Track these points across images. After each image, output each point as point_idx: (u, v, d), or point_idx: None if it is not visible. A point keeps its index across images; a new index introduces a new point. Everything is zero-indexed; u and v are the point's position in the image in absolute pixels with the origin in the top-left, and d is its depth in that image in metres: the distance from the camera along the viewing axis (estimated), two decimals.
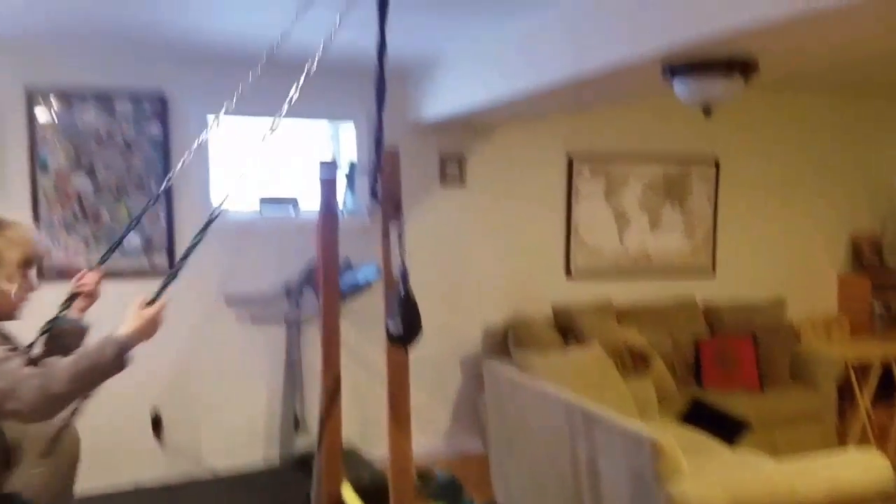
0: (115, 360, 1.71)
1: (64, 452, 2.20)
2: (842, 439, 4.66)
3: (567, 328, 4.55)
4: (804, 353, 4.80)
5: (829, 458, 2.89)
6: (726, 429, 3.83)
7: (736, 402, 4.25)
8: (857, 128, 5.79)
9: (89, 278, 2.09)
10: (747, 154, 5.41)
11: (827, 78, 5.00)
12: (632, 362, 4.13)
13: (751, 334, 4.71)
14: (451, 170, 4.71)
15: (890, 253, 5.80)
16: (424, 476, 4.21)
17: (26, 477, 2.14)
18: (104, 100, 3.84)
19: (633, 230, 5.19)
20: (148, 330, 1.77)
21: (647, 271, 5.23)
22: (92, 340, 1.81)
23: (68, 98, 3.78)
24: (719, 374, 4.66)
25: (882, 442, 4.66)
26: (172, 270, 2.02)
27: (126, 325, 1.75)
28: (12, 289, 1.78)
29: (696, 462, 2.89)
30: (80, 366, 1.67)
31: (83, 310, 2.04)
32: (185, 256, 2.03)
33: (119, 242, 2.43)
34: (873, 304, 5.53)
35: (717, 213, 5.38)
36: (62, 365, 1.66)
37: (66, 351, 1.83)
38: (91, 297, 2.05)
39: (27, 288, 1.82)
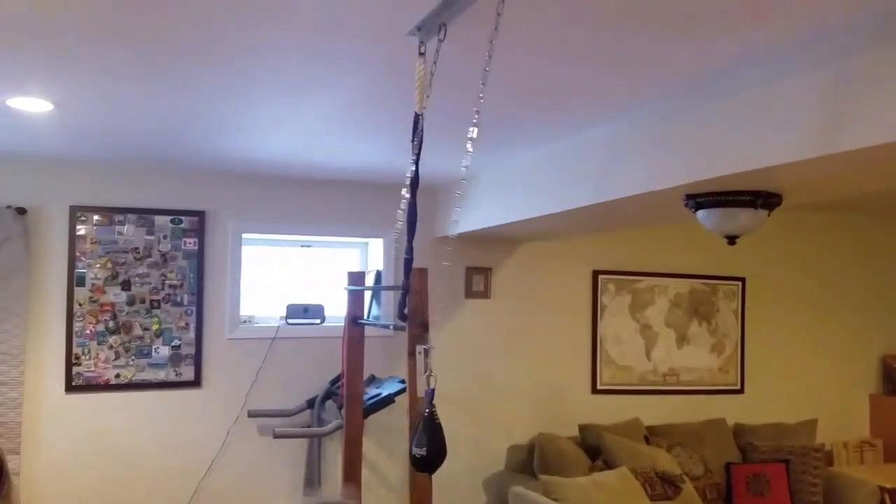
0: None
1: None
2: None
3: (594, 448, 4.46)
4: (838, 477, 4.64)
5: None
6: None
7: None
8: (886, 247, 5.79)
9: None
10: (774, 272, 5.42)
11: (853, 199, 5.05)
12: (662, 487, 4.02)
13: (784, 459, 4.58)
14: (477, 282, 4.76)
15: None
16: None
17: None
18: (144, 216, 3.99)
19: (660, 346, 5.15)
20: None
21: (675, 388, 5.15)
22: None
23: (110, 215, 3.93)
24: (751, 501, 4.50)
25: None
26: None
27: None
28: None
29: None
30: None
31: None
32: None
33: None
34: None
35: (745, 330, 5.34)
36: None
37: None
38: None
39: None
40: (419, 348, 2.88)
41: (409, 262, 2.96)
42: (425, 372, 2.80)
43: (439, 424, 2.71)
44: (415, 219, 2.63)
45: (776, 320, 5.43)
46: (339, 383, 3.97)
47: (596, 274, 5.00)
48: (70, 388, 3.87)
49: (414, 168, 2.06)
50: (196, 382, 4.08)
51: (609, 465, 4.15)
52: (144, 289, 3.98)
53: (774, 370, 5.41)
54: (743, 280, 5.33)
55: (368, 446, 4.30)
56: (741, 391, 5.32)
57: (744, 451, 4.85)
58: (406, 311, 2.99)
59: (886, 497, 4.63)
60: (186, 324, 4.05)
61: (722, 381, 5.28)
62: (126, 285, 3.94)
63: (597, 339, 5.01)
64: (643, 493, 3.77)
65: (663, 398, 5.12)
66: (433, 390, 2.75)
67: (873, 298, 5.73)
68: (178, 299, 4.04)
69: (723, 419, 5.01)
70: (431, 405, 2.74)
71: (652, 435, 4.73)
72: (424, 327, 2.91)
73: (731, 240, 2.61)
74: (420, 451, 2.72)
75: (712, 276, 5.25)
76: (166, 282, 4.01)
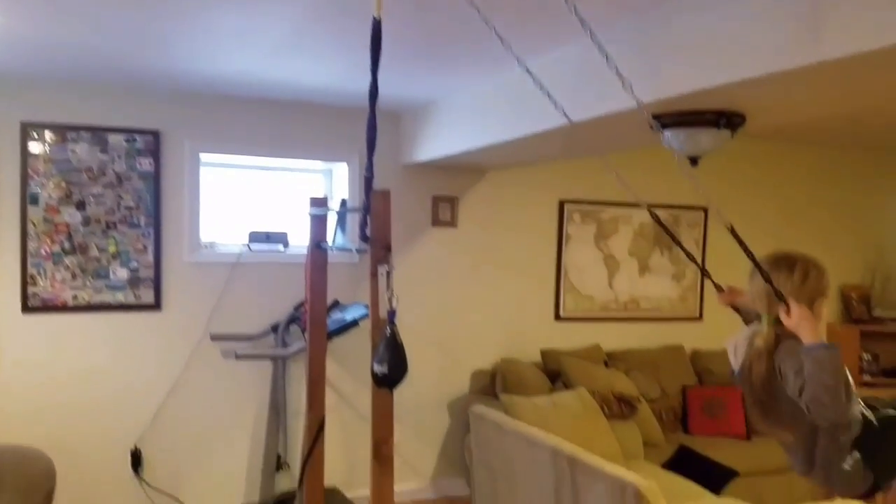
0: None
1: (39, 486, 2.16)
2: (829, 491, 4.62)
3: (555, 372, 4.54)
4: None
5: None
6: (712, 476, 3.80)
7: (722, 451, 4.23)
8: (846, 179, 5.86)
9: None
10: (736, 203, 5.47)
11: (817, 129, 5.08)
12: (619, 408, 4.12)
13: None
14: (444, 211, 4.73)
15: (878, 304, 5.84)
16: None
17: None
18: (98, 135, 3.87)
19: (622, 275, 5.21)
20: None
21: (635, 316, 5.24)
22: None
23: (62, 133, 3.81)
24: (706, 422, 4.65)
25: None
26: None
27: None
28: None
29: None
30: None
31: None
32: None
33: None
34: (861, 355, 5.54)
35: (706, 260, 5.41)
36: None
37: None
38: None
39: None
40: (381, 269, 2.87)
41: (369, 181, 2.90)
42: (387, 292, 2.81)
43: (401, 343, 2.72)
44: (374, 134, 2.58)
45: (736, 250, 5.49)
46: (303, 308, 3.97)
47: (562, 203, 5.00)
48: (26, 308, 3.81)
49: (372, 78, 2.00)
50: (156, 305, 4.04)
51: (568, 388, 4.24)
52: (100, 209, 3.89)
53: None
54: (706, 209, 5.37)
55: (333, 370, 4.32)
56: (700, 319, 5.43)
57: (700, 376, 4.98)
58: (368, 232, 2.98)
59: None
60: (144, 246, 3.98)
61: (681, 310, 5.37)
62: (81, 205, 3.85)
63: (561, 268, 5.04)
64: (600, 413, 3.87)
65: (624, 326, 5.21)
66: (395, 310, 2.76)
67: (833, 230, 5.83)
68: (135, 221, 3.96)
69: (681, 346, 5.12)
70: (393, 324, 2.75)
71: (611, 360, 4.84)
72: (387, 249, 2.88)
73: (694, 161, 2.61)
74: (381, 369, 2.73)
75: (676, 206, 5.29)
76: (122, 203, 3.93)
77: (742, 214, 5.50)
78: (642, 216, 5.21)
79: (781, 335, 1.96)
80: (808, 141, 5.51)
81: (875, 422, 2.01)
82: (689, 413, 4.71)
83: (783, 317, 1.90)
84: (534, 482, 3.20)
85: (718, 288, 2.41)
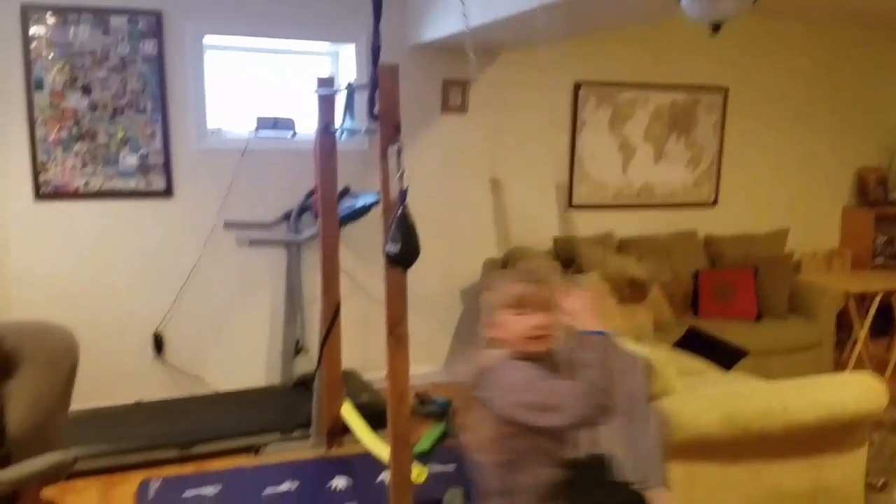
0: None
1: (61, 360, 2.22)
2: (838, 370, 4.70)
3: (568, 260, 4.55)
4: (804, 284, 4.81)
5: (824, 380, 2.92)
6: (722, 355, 3.85)
7: (732, 332, 4.26)
8: (866, 61, 5.65)
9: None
10: (756, 85, 5.31)
11: (837, 8, 4.86)
12: (629, 291, 4.14)
13: (751, 266, 4.71)
14: (454, 96, 4.63)
15: (895, 187, 5.75)
16: (423, 399, 4.28)
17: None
18: (99, 16, 3.76)
19: (637, 161, 5.13)
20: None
21: (649, 203, 5.19)
22: None
23: (63, 14, 3.70)
24: (717, 305, 4.68)
25: (877, 373, 4.70)
26: None
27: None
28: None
29: (689, 383, 2.92)
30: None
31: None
32: None
33: None
34: (876, 238, 5.51)
35: (724, 144, 5.31)
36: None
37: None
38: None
39: None
40: (391, 148, 2.83)
41: (376, 52, 2.84)
42: (398, 172, 2.78)
43: (412, 223, 2.73)
44: (381, 1, 2.48)
45: (755, 133, 5.39)
46: (315, 196, 3.95)
47: (577, 86, 4.87)
48: (38, 195, 3.82)
49: None
50: (167, 192, 4.04)
51: (580, 273, 4.25)
52: (106, 95, 3.83)
53: (749, 183, 5.45)
54: (726, 90, 5.23)
55: (347, 259, 4.34)
56: (715, 204, 5.38)
57: (713, 260, 4.98)
58: (376, 110, 2.92)
59: (851, 301, 4.82)
60: (152, 132, 3.94)
61: (696, 195, 5.32)
62: (86, 90, 3.79)
63: (575, 155, 4.96)
64: (611, 296, 3.89)
65: (637, 213, 5.17)
66: (405, 190, 2.74)
67: (853, 111, 5.68)
68: (142, 106, 3.90)
69: (694, 231, 5.10)
70: (404, 204, 2.74)
71: (624, 247, 4.83)
72: (396, 128, 2.83)
73: (716, 28, 2.50)
74: (394, 248, 2.74)
75: (695, 87, 5.14)
76: (128, 87, 3.86)
77: (763, 96, 5.36)
78: (659, 98, 5.08)
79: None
80: (829, 21, 5.29)
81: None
82: (700, 296, 4.74)
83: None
84: None
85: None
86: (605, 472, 1.88)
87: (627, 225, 5.05)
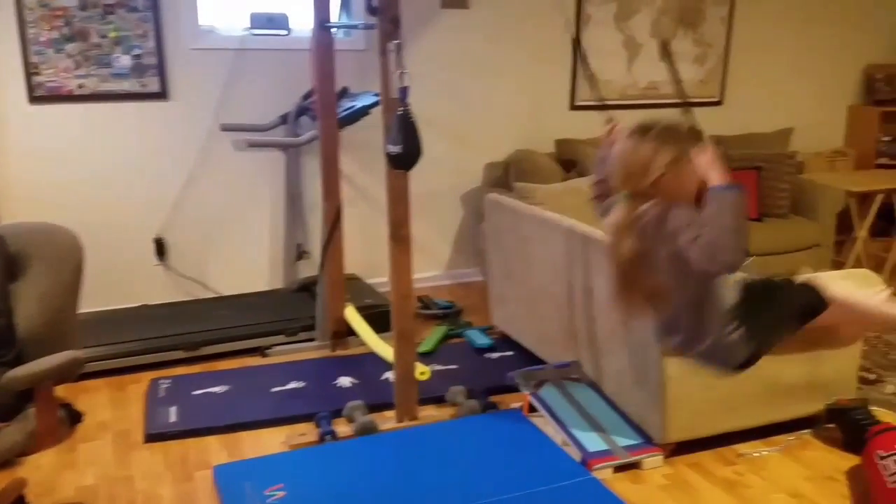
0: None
1: (67, 259, 2.23)
2: (837, 268, 4.74)
3: (570, 162, 4.50)
4: (805, 184, 4.79)
5: (825, 276, 2.93)
6: None
7: None
8: None
9: None
10: None
11: None
12: None
13: (754, 166, 4.66)
14: None
15: None
16: (426, 301, 4.34)
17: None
18: None
19: (642, 59, 5.01)
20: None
21: (654, 102, 5.10)
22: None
23: None
24: None
25: (875, 272, 4.74)
26: None
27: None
28: None
29: None
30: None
31: None
32: None
33: None
34: (880, 137, 5.44)
35: (730, 41, 5.17)
36: None
37: None
38: None
39: None
40: (391, 45, 2.75)
41: None
42: (398, 70, 2.71)
43: (413, 122, 2.68)
44: None
45: (762, 28, 5.24)
46: (312, 98, 3.87)
47: None
48: (33, 98, 3.75)
49: None
50: (162, 94, 3.96)
51: (583, 176, 4.22)
52: None
53: (755, 82, 5.33)
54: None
55: (348, 164, 4.29)
56: (720, 103, 5.29)
57: None
58: (374, 3, 2.82)
59: (852, 200, 4.81)
60: (145, 32, 3.83)
61: (702, 93, 5.22)
62: None
63: (578, 52, 4.83)
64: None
65: (642, 112, 5.03)
66: (406, 88, 2.68)
67: (863, 4, 5.50)
68: (133, 4, 3.78)
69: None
70: (405, 103, 2.68)
71: None
72: (395, 22, 2.75)
73: None
74: (395, 149, 2.71)
75: None
76: None
77: None
78: None
79: (656, 208, 1.88)
80: None
81: (753, 282, 1.96)
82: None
83: (695, 159, 1.81)
84: (547, 263, 3.28)
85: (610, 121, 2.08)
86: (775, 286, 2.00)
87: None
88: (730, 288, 1.93)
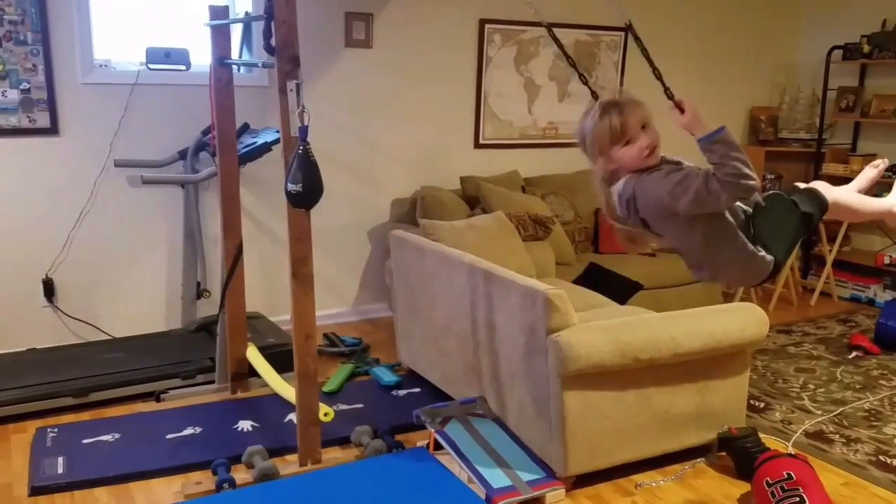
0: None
1: None
2: (727, 301, 4.96)
3: (475, 199, 4.58)
4: None
5: (711, 310, 3.08)
6: (619, 289, 4.00)
7: (630, 267, 4.43)
8: (759, 2, 5.85)
9: None
10: (653, 24, 5.39)
11: None
12: (534, 229, 4.22)
13: None
14: (358, 29, 4.51)
15: (785, 126, 6.03)
16: (332, 339, 4.28)
17: None
18: None
19: (542, 100, 5.18)
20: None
21: (553, 142, 5.27)
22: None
23: None
24: (615, 242, 4.83)
25: (763, 304, 5.00)
26: None
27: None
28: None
29: (587, 316, 3.03)
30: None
31: None
32: None
33: None
34: (765, 175, 5.78)
35: (623, 83, 5.41)
36: None
37: None
38: None
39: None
40: (290, 84, 2.74)
41: None
42: (297, 108, 2.70)
43: (314, 160, 2.67)
44: None
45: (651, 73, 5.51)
46: (211, 134, 3.80)
47: (482, 23, 4.83)
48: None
49: None
50: (53, 130, 3.80)
51: (486, 213, 4.30)
52: None
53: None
54: (626, 29, 5.29)
55: (249, 200, 4.24)
56: None
57: None
58: (273, 42, 2.81)
59: None
60: (34, 65, 3.68)
61: None
62: None
63: (481, 93, 4.96)
64: (516, 234, 3.96)
65: (542, 152, 5.24)
66: (306, 127, 2.67)
67: (746, 52, 5.89)
68: (21, 38, 3.63)
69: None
70: (305, 142, 2.67)
71: (529, 186, 4.91)
72: (294, 61, 2.74)
73: None
74: (295, 187, 2.68)
75: (596, 27, 5.20)
76: (5, 17, 3.58)
77: (657, 38, 5.45)
78: (563, 37, 5.05)
79: (630, 182, 2.07)
80: None
81: (762, 201, 2.10)
82: (600, 233, 4.88)
83: (677, 119, 1.95)
84: (451, 299, 3.30)
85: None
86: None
87: (532, 163, 5.12)
88: (735, 214, 2.04)
